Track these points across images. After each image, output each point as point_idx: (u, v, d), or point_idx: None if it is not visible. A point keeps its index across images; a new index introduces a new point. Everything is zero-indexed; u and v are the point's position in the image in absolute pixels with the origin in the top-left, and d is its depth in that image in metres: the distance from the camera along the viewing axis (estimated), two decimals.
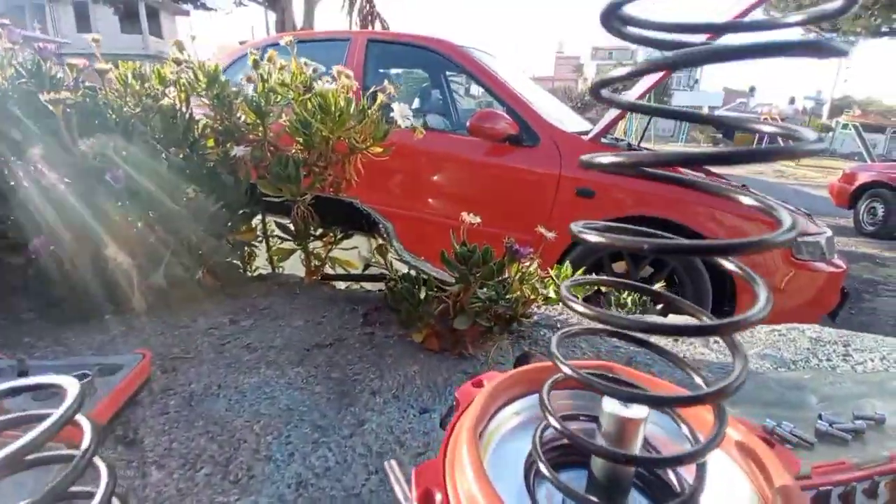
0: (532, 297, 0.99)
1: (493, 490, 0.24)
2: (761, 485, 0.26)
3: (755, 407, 0.70)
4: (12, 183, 0.90)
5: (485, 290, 0.84)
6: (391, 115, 1.04)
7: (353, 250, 1.17)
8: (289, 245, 1.14)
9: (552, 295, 1.22)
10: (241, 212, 1.07)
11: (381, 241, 1.00)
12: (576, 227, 0.28)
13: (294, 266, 1.22)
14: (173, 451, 0.64)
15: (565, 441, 0.32)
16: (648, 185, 2.57)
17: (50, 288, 0.86)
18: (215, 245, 1.01)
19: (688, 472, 0.30)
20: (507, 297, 0.88)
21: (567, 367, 0.27)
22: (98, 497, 0.33)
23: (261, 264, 1.27)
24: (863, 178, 6.30)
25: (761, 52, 0.20)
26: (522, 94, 3.02)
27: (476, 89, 5.66)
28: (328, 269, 1.18)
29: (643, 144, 3.19)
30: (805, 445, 0.63)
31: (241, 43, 3.68)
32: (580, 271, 1.74)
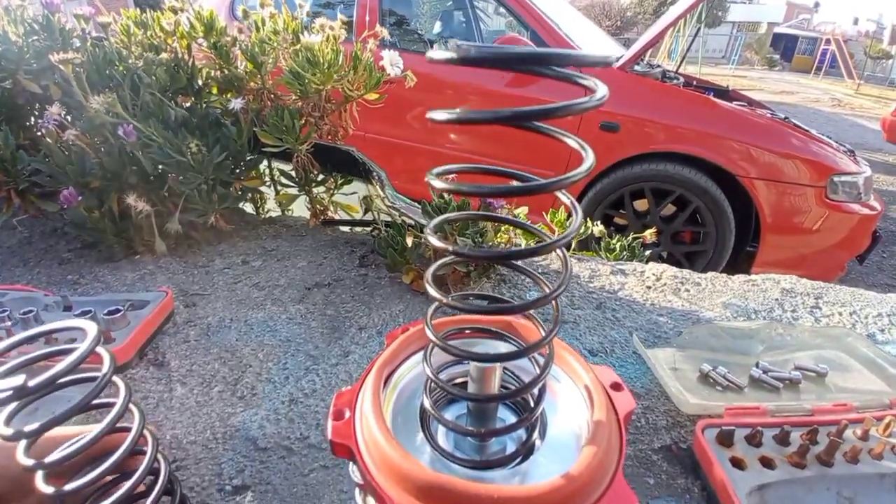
0: (507, 244, 1.05)
1: (381, 410, 0.33)
2: (591, 413, 0.34)
3: (701, 351, 0.77)
4: (40, 134, 0.99)
5: (464, 238, 0.90)
6: (381, 63, 1.05)
7: (354, 195, 1.24)
8: (293, 191, 1.22)
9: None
10: (247, 158, 1.14)
11: (370, 190, 1.06)
12: (431, 173, 0.32)
13: (301, 209, 1.31)
14: (193, 372, 0.77)
15: (455, 381, 0.40)
16: (678, 118, 2.45)
17: (83, 233, 0.99)
18: (225, 192, 1.10)
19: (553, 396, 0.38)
20: (484, 244, 0.94)
21: (430, 332, 0.35)
22: (118, 405, 0.44)
23: (271, 206, 1.36)
24: None
25: None
26: (549, 16, 2.83)
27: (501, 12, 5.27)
28: (331, 213, 1.27)
29: (687, 70, 2.97)
30: (734, 389, 0.69)
31: None
32: (600, 207, 1.74)
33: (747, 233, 2.51)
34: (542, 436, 0.38)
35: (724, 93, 3.28)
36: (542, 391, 0.36)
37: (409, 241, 0.93)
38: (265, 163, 1.24)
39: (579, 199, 2.81)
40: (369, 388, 0.36)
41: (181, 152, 0.94)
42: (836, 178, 2.33)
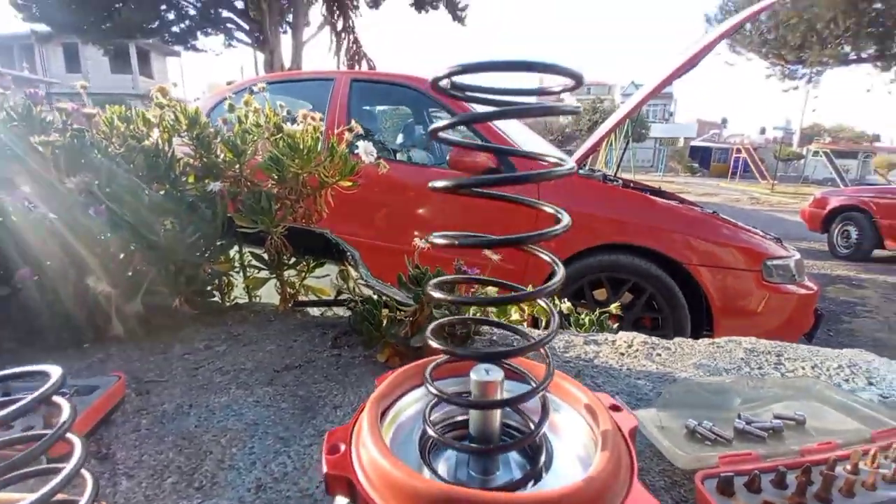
0: (484, 315, 1.07)
1: (381, 437, 0.31)
2: (595, 431, 0.34)
3: (682, 409, 0.77)
4: (1, 219, 0.96)
5: (440, 310, 0.91)
6: (356, 150, 1.14)
7: (326, 278, 1.24)
8: (264, 274, 1.21)
9: (515, 315, 1.29)
10: (218, 243, 1.14)
11: (347, 268, 1.08)
12: (433, 237, 0.36)
13: (270, 295, 1.29)
14: (143, 463, 0.68)
15: (451, 421, 0.39)
16: (622, 213, 2.70)
17: (33, 318, 0.92)
18: (192, 274, 1.08)
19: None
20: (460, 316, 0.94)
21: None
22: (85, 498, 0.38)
23: (238, 294, 1.33)
24: (834, 202, 6.55)
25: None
26: (501, 128, 3.18)
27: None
28: (302, 297, 1.25)
29: (623, 175, 3.35)
30: (723, 441, 0.69)
31: (228, 83, 3.85)
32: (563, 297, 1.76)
33: (702, 318, 2.66)
34: (548, 467, 0.36)
35: (657, 193, 3.68)
36: (543, 413, 0.35)
37: (385, 314, 0.93)
38: (235, 248, 1.24)
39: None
40: (366, 420, 0.35)
41: (153, 231, 0.93)
42: (769, 262, 2.56)
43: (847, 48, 10.34)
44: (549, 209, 0.36)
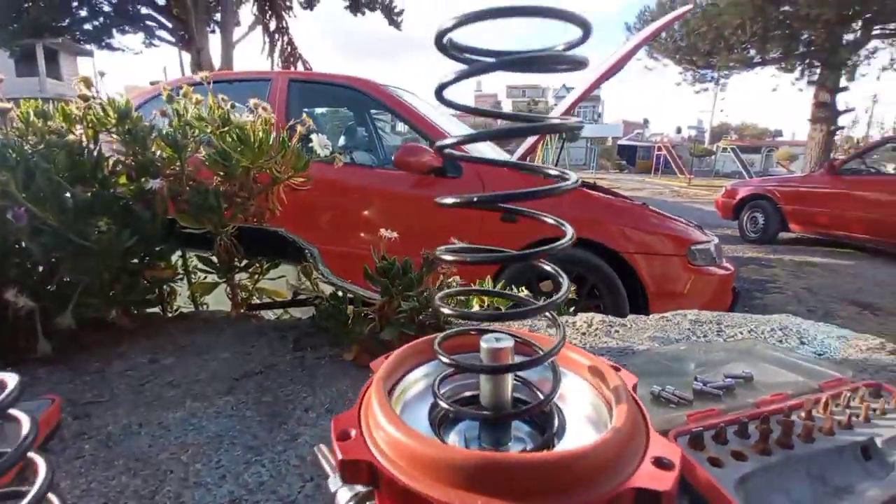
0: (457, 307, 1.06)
1: (398, 416, 0.30)
2: (603, 390, 0.34)
3: (647, 377, 0.81)
4: None
5: (408, 301, 0.89)
6: (311, 145, 1.10)
7: (281, 279, 1.18)
8: (212, 279, 1.12)
9: (476, 307, 1.30)
10: (158, 247, 1.04)
11: (308, 266, 1.03)
12: (438, 250, 0.36)
13: (219, 301, 1.20)
14: (92, 491, 0.61)
15: (458, 397, 0.38)
16: (567, 208, 2.81)
17: None
18: (130, 283, 0.98)
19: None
20: (430, 306, 0.93)
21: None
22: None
23: (183, 302, 1.23)
24: (743, 192, 7.23)
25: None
26: (445, 129, 3.20)
27: (402, 127, 5.86)
28: (256, 301, 1.18)
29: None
30: (685, 403, 0.73)
31: (152, 83, 3.56)
32: (499, 285, 1.83)
33: (638, 302, 2.84)
34: (560, 435, 0.36)
35: (593, 187, 3.88)
36: (555, 378, 0.35)
37: (351, 311, 0.90)
38: (178, 253, 1.15)
39: (494, 280, 2.99)
40: (376, 401, 0.33)
41: (83, 236, 0.84)
42: (693, 248, 2.79)
43: (753, 52, 11.52)
44: (550, 220, 0.37)
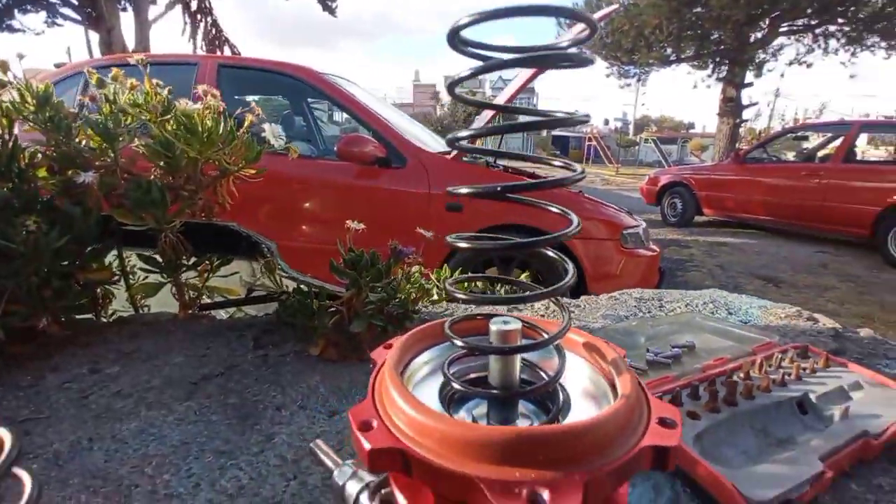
0: (419, 294, 1.07)
1: (416, 399, 0.30)
2: (601, 365, 0.37)
3: None
4: None
5: (376, 293, 0.89)
6: (262, 135, 1.04)
7: (234, 276, 1.12)
8: (155, 279, 1.04)
9: (435, 295, 1.31)
10: (91, 247, 0.95)
11: (265, 261, 0.98)
12: (450, 238, 0.37)
13: (164, 302, 1.11)
14: None
15: (466, 378, 0.39)
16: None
17: None
18: (61, 287, 0.89)
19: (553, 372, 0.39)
20: (398, 296, 0.94)
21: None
22: None
23: (121, 306, 1.13)
24: (663, 180, 7.82)
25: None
26: (387, 118, 3.15)
27: (339, 116, 5.68)
28: (207, 300, 1.11)
29: (499, 161, 3.58)
30: (642, 372, 0.80)
31: (56, 66, 3.17)
32: (458, 273, 1.86)
33: (578, 285, 3.02)
34: (565, 412, 0.39)
35: (533, 177, 4.03)
36: (561, 359, 0.38)
37: (316, 305, 0.88)
38: (113, 253, 1.05)
39: (441, 268, 3.05)
40: (395, 389, 0.33)
41: (6, 237, 0.74)
42: (625, 232, 3.00)
43: (669, 50, 12.42)
44: (555, 210, 0.39)
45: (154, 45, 7.65)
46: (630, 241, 3.01)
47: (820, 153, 6.67)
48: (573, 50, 0.33)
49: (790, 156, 7.60)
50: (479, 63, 0.31)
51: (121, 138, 0.95)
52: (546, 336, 0.37)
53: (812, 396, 0.66)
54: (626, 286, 3.12)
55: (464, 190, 0.35)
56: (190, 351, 0.95)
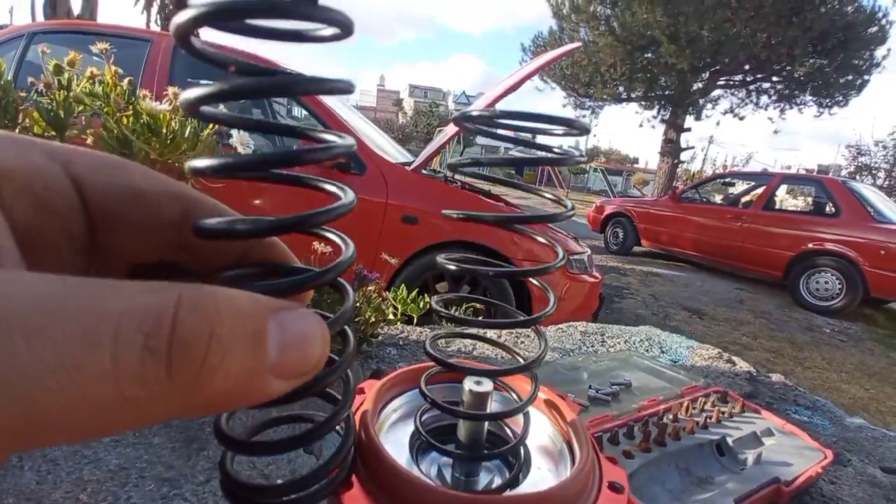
0: (377, 318, 1.08)
1: (396, 462, 0.32)
2: (560, 423, 0.41)
3: (549, 386, 0.93)
4: None
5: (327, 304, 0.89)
6: (228, 140, 1.02)
7: None
8: None
9: (391, 316, 1.33)
10: None
11: None
12: (440, 258, 0.39)
13: None
14: None
15: (438, 424, 0.42)
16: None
17: None
18: None
19: (518, 428, 0.42)
20: (356, 319, 0.94)
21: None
22: None
23: None
24: (608, 209, 8.29)
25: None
26: (349, 122, 3.13)
27: (298, 112, 5.53)
28: None
29: (457, 177, 3.65)
30: (584, 408, 0.86)
31: None
32: (413, 291, 1.88)
33: (524, 305, 3.13)
34: (527, 469, 0.42)
35: (487, 195, 4.15)
36: (525, 424, 0.41)
37: None
38: None
39: (390, 286, 3.03)
40: (374, 449, 0.35)
41: None
42: (571, 257, 3.16)
43: (621, 89, 13.29)
44: (542, 240, 0.42)
45: (102, 14, 7.07)
46: (575, 266, 3.16)
47: (744, 199, 7.35)
48: (567, 147, 0.36)
49: (718, 199, 8.33)
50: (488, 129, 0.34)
51: (73, 128, 0.89)
52: (518, 402, 0.40)
53: (729, 440, 0.74)
54: (568, 310, 3.27)
55: (455, 214, 0.37)
56: None
